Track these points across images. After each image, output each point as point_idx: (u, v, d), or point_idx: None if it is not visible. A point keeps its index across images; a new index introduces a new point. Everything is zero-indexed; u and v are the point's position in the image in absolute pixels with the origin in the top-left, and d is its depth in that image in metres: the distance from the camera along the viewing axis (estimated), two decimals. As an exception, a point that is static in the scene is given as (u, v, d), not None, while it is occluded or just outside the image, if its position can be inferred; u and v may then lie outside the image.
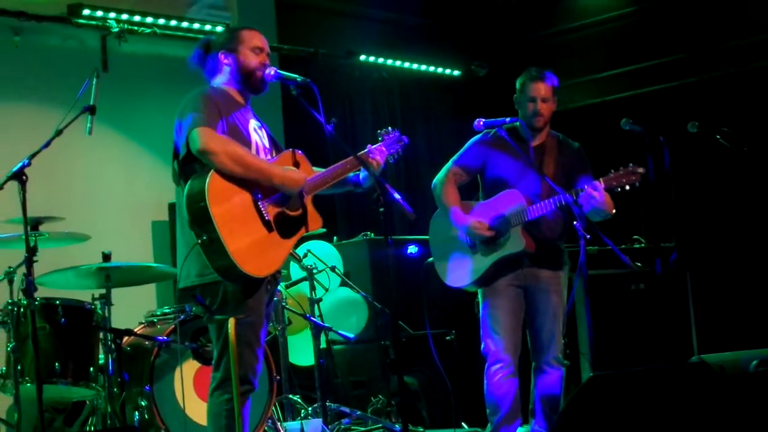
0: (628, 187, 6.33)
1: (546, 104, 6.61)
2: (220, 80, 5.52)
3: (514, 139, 6.58)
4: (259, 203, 5.23)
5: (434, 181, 6.77)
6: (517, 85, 6.68)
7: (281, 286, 7.52)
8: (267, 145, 5.51)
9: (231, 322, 5.04)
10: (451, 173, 6.74)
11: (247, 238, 5.13)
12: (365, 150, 5.73)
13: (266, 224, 5.24)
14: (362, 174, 5.66)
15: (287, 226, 5.34)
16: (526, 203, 6.49)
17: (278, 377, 7.13)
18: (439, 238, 6.82)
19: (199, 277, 5.27)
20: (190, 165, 5.23)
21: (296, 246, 7.89)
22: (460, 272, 6.68)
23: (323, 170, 5.61)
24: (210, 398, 5.32)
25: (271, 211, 5.27)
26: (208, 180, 5.07)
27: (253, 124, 5.48)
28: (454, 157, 6.79)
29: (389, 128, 5.93)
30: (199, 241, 5.10)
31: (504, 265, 6.54)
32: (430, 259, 6.95)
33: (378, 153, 5.73)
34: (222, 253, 5.05)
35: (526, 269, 6.58)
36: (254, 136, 5.43)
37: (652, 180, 6.26)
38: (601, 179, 6.33)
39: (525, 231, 6.52)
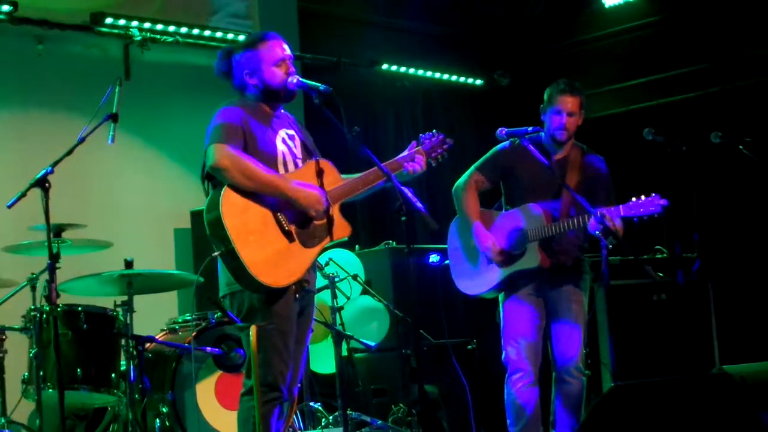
0: (646, 219, 6.27)
1: (572, 118, 6.59)
2: (250, 94, 5.56)
3: (537, 150, 6.56)
4: (279, 214, 5.27)
5: (456, 185, 6.78)
6: (545, 96, 6.66)
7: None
8: (298, 153, 5.54)
9: (253, 329, 5.07)
10: (472, 179, 6.75)
11: (264, 249, 5.18)
12: (404, 152, 5.76)
13: (286, 234, 5.28)
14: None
15: (312, 235, 5.37)
16: (545, 221, 6.47)
17: (299, 385, 7.15)
18: (457, 244, 6.85)
19: (228, 286, 5.36)
20: (215, 180, 5.31)
21: (318, 254, 7.91)
22: (476, 280, 6.71)
23: (352, 177, 5.63)
24: (240, 403, 5.38)
25: (292, 222, 5.31)
26: (222, 193, 5.18)
27: (282, 134, 5.51)
28: (477, 164, 6.79)
29: (434, 131, 5.93)
30: (217, 252, 5.17)
31: (521, 276, 6.55)
32: (447, 261, 6.96)
33: (418, 156, 5.74)
34: (238, 265, 5.13)
35: (547, 279, 6.58)
36: (281, 147, 5.46)
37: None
38: (621, 207, 6.28)
39: (542, 247, 6.51)
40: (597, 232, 6.12)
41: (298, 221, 5.34)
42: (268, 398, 5.22)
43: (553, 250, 6.55)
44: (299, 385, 5.60)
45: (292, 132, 5.58)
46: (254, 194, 5.23)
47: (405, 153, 5.77)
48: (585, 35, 11.26)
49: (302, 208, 5.33)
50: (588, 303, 6.72)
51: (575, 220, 6.35)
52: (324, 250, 5.52)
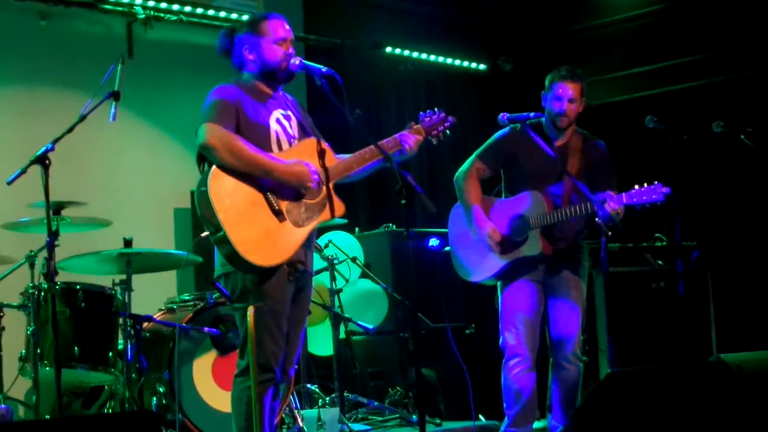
0: (648, 206, 6.27)
1: (573, 105, 6.57)
2: (248, 74, 5.55)
3: (539, 136, 6.55)
4: (269, 194, 5.27)
5: (457, 173, 6.77)
6: (546, 82, 6.65)
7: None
8: (294, 133, 5.53)
9: (250, 310, 5.07)
10: (474, 168, 6.73)
11: (253, 230, 5.18)
12: (402, 131, 5.74)
13: (276, 214, 5.27)
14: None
15: (304, 214, 5.37)
16: (547, 207, 6.47)
17: (296, 366, 7.17)
18: (458, 231, 6.84)
19: (222, 266, 5.35)
20: (208, 160, 5.30)
21: (318, 236, 7.92)
22: (476, 267, 6.70)
23: (347, 156, 5.63)
24: (233, 384, 5.39)
25: (282, 201, 5.30)
26: (210, 173, 5.18)
27: (277, 113, 5.50)
28: (478, 151, 6.78)
29: (435, 109, 5.93)
30: (207, 232, 5.19)
31: (522, 263, 6.55)
32: (448, 248, 6.97)
33: (413, 135, 5.73)
34: (227, 244, 5.13)
35: (546, 265, 6.58)
36: (275, 127, 5.45)
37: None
38: (623, 194, 6.28)
39: (543, 234, 6.51)
40: (599, 221, 6.13)
41: (289, 200, 5.33)
42: (261, 379, 5.22)
43: (554, 237, 6.55)
44: (296, 366, 5.60)
45: (288, 112, 5.57)
46: (243, 174, 5.22)
47: (403, 132, 5.75)
48: (589, 22, 11.25)
49: (293, 186, 5.31)
50: (587, 289, 6.71)
51: (577, 208, 6.34)
52: (319, 229, 5.51)
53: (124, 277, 6.83)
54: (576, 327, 6.56)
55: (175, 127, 9.02)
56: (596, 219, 6.18)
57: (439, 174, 10.82)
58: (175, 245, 8.79)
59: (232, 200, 5.18)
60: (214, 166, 5.19)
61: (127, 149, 8.86)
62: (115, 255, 6.73)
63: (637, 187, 6.24)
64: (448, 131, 5.91)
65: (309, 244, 5.49)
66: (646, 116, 6.60)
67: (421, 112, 5.91)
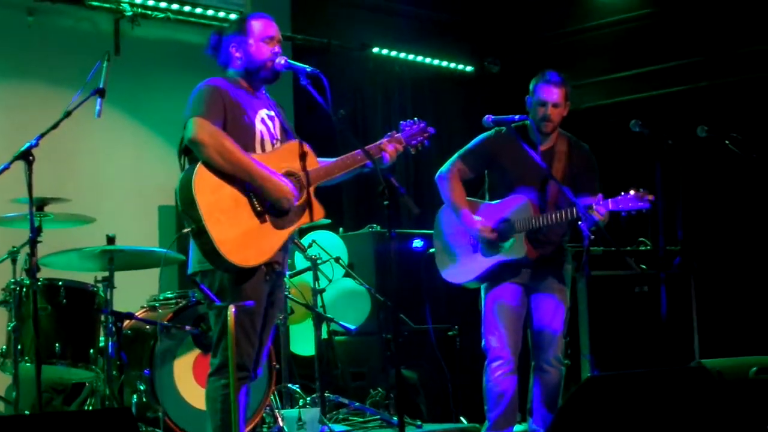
0: (634, 213, 6.28)
1: (557, 109, 6.57)
2: (233, 71, 5.56)
3: (523, 140, 6.55)
4: (252, 194, 5.26)
5: (438, 173, 6.74)
6: (531, 86, 6.65)
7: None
8: (276, 134, 5.53)
9: (230, 309, 5.06)
10: (455, 168, 6.71)
11: (234, 229, 5.18)
12: (380, 140, 5.74)
13: (258, 215, 5.28)
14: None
15: (284, 217, 5.36)
16: (532, 212, 6.46)
17: (278, 366, 7.17)
18: (442, 232, 6.83)
19: (200, 264, 5.33)
20: (192, 155, 5.29)
21: (302, 236, 7.92)
22: (460, 269, 6.70)
23: (330, 160, 5.63)
24: (207, 383, 5.37)
25: (264, 202, 5.29)
26: (195, 170, 5.16)
27: (262, 113, 5.50)
28: (460, 151, 6.76)
29: (415, 119, 5.93)
30: (188, 229, 5.18)
31: (506, 266, 6.54)
32: (432, 250, 6.96)
33: (392, 144, 5.73)
34: (208, 243, 5.12)
35: (530, 269, 6.58)
36: (260, 126, 5.45)
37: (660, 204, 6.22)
38: (609, 201, 6.28)
39: (528, 238, 6.51)
40: (582, 224, 6.13)
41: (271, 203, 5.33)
42: (235, 377, 5.20)
43: (539, 241, 6.55)
44: (277, 366, 5.60)
45: (272, 113, 5.58)
46: (228, 173, 5.21)
47: (382, 140, 5.76)
48: (576, 26, 11.25)
49: (272, 200, 5.30)
50: (569, 293, 6.72)
51: (563, 213, 6.34)
52: (303, 229, 5.51)
53: (106, 274, 6.81)
54: (558, 330, 6.57)
55: (160, 125, 9.00)
56: (579, 223, 6.18)
57: (424, 175, 10.79)
58: (159, 243, 8.78)
59: (216, 198, 5.17)
60: (199, 163, 5.17)
61: (112, 146, 8.84)
62: (97, 252, 6.71)
63: (623, 193, 6.25)
64: (426, 142, 5.91)
65: (286, 246, 5.49)
66: (631, 120, 6.60)
67: (401, 121, 5.91)
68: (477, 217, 6.58)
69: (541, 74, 6.63)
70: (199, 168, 5.16)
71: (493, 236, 6.52)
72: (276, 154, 5.43)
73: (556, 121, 6.59)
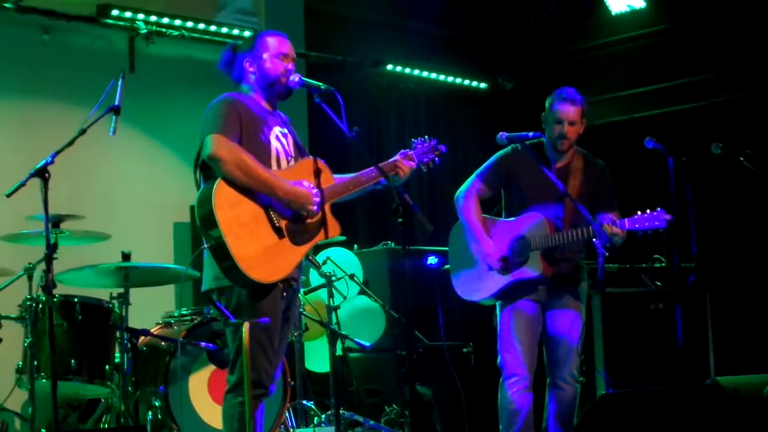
0: (650, 232, 6.28)
1: (573, 128, 6.56)
2: (246, 87, 5.58)
3: (538, 157, 6.54)
4: (270, 210, 5.28)
5: (457, 193, 6.75)
6: (546, 104, 6.64)
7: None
8: (290, 151, 5.56)
9: (245, 326, 5.07)
10: (474, 187, 6.72)
11: (254, 245, 5.19)
12: (394, 157, 5.77)
13: (277, 231, 5.29)
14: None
15: (302, 233, 5.38)
16: (548, 229, 6.46)
17: (293, 383, 7.17)
18: (458, 249, 6.83)
19: (216, 280, 5.34)
20: (208, 171, 5.31)
21: (316, 253, 7.92)
22: (475, 286, 6.69)
23: (345, 177, 5.65)
24: (224, 401, 5.38)
25: (283, 219, 5.32)
26: (215, 185, 5.16)
27: (276, 130, 5.52)
28: (478, 171, 6.77)
29: (426, 137, 5.96)
30: (207, 245, 5.19)
31: (522, 283, 6.54)
32: (447, 266, 6.96)
33: (406, 161, 5.76)
34: (228, 259, 5.13)
35: (545, 286, 6.57)
36: (275, 144, 5.48)
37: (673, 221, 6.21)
38: (626, 220, 6.28)
39: (544, 256, 6.51)
40: (597, 241, 6.12)
41: (290, 218, 5.35)
42: (252, 395, 5.20)
43: (554, 259, 6.54)
44: (292, 382, 5.60)
45: (285, 130, 5.60)
46: (247, 189, 5.23)
47: (396, 157, 5.78)
48: (590, 42, 11.26)
49: (294, 209, 5.33)
50: (585, 310, 6.71)
51: (579, 231, 6.33)
52: (318, 245, 5.52)
53: (121, 290, 6.83)
54: (575, 341, 6.56)
55: (175, 142, 9.01)
56: (593, 240, 6.17)
57: (438, 192, 10.82)
58: (174, 260, 8.78)
59: (235, 213, 5.18)
60: (219, 179, 5.18)
61: (127, 163, 8.85)
62: (113, 268, 6.73)
63: (639, 213, 6.24)
64: (437, 159, 5.94)
65: (300, 263, 5.50)
66: (646, 137, 6.60)
67: (414, 139, 5.94)
68: (490, 241, 6.58)
69: (558, 91, 6.61)
70: (219, 183, 5.17)
71: (499, 265, 6.52)
72: (291, 171, 5.44)
73: (572, 140, 6.58)
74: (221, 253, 5.15)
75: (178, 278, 7.28)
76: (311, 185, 5.40)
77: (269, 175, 5.28)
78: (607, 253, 6.13)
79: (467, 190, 6.73)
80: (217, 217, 5.12)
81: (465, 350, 8.37)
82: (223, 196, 5.17)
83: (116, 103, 5.70)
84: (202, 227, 5.21)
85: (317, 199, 5.38)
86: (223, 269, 5.20)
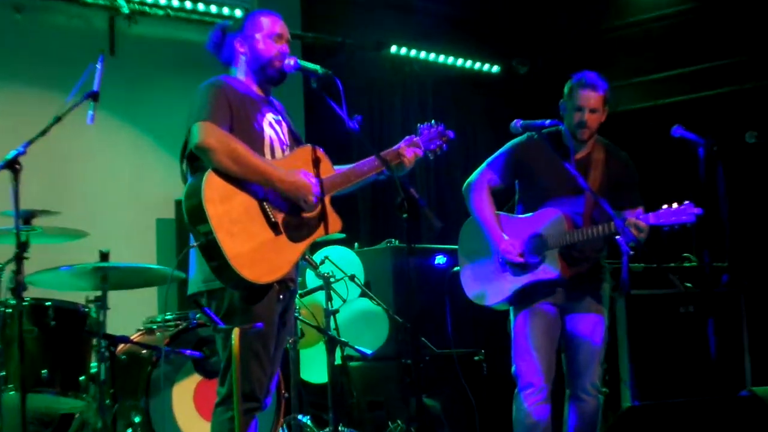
0: (677, 227, 6.21)
1: (594, 115, 6.50)
2: (237, 70, 5.55)
3: (556, 147, 6.47)
4: (265, 204, 5.22)
5: (466, 183, 6.72)
6: (565, 90, 6.58)
7: (295, 296, 7.51)
8: (285, 140, 5.51)
9: (235, 332, 4.98)
10: (484, 178, 6.67)
11: (248, 242, 5.13)
12: (398, 145, 5.74)
13: (272, 226, 5.23)
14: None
15: (300, 229, 5.33)
16: (566, 226, 6.40)
17: (287, 395, 7.12)
18: (469, 247, 6.80)
19: (205, 283, 5.28)
20: (196, 162, 5.26)
21: (313, 251, 7.86)
22: (488, 289, 6.66)
23: (345, 167, 5.60)
24: (213, 415, 5.31)
25: (279, 213, 5.26)
26: (205, 178, 5.10)
27: (269, 117, 5.48)
28: (489, 160, 6.72)
29: (432, 122, 5.92)
30: (197, 243, 5.12)
31: (538, 286, 6.48)
32: (457, 268, 6.91)
33: (411, 148, 5.72)
34: (219, 257, 5.05)
35: (564, 288, 6.51)
36: (268, 131, 5.42)
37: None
38: (650, 214, 6.21)
39: (562, 255, 6.44)
40: (620, 238, 6.07)
41: (286, 212, 5.30)
42: (244, 408, 5.15)
43: (574, 258, 6.49)
44: (286, 395, 5.54)
45: (278, 117, 5.57)
46: (240, 181, 5.17)
47: (400, 144, 5.76)
48: (612, 23, 11.26)
49: (291, 199, 5.27)
50: (608, 314, 6.64)
51: (599, 228, 6.28)
52: (315, 244, 5.47)
53: (99, 293, 6.76)
54: (596, 356, 6.50)
55: (159, 131, 9.04)
56: (616, 237, 6.11)
57: (446, 185, 10.80)
58: (157, 260, 8.81)
59: (227, 208, 5.13)
60: (209, 170, 5.12)
61: (107, 154, 8.89)
62: (89, 269, 6.66)
63: (665, 206, 6.19)
64: (445, 146, 5.91)
65: (297, 262, 5.45)
66: (673, 125, 6.54)
67: (420, 124, 5.91)
68: (504, 236, 6.52)
69: (578, 76, 6.55)
70: (209, 175, 5.11)
71: (520, 260, 6.45)
72: (287, 161, 5.40)
73: (593, 128, 6.51)
74: (211, 250, 5.07)
75: (161, 280, 7.25)
76: (310, 175, 5.33)
77: (264, 163, 5.24)
78: (632, 252, 6.09)
79: (477, 181, 6.68)
80: (207, 212, 5.05)
81: (476, 358, 8.38)
82: (213, 188, 5.11)
83: (95, 89, 5.70)
84: (190, 223, 5.14)
85: (316, 190, 5.32)
86: (213, 268, 5.13)
